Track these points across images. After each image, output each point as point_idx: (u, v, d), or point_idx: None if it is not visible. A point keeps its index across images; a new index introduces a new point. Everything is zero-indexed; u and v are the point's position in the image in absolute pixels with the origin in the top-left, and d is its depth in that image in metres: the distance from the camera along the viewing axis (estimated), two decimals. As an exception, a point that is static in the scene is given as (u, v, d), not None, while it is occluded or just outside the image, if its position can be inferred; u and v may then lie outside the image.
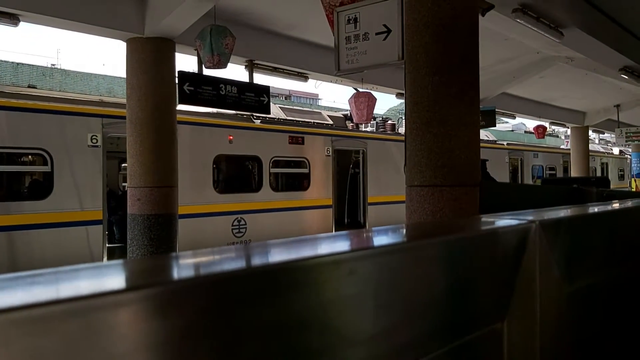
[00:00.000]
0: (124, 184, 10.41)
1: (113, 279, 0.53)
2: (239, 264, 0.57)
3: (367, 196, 13.75)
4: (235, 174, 11.96)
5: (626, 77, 11.76)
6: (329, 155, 12.96)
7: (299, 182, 12.64)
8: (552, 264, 0.93)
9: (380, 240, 0.75)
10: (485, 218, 0.95)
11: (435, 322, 0.72)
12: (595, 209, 1.31)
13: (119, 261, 0.57)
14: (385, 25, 5.42)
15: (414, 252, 0.71)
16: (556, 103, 18.51)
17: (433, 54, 4.64)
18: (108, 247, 9.37)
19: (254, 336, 0.50)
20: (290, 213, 11.90)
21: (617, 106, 18.48)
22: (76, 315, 0.42)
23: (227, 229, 10.67)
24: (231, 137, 11.00)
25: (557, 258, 0.95)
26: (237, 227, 10.85)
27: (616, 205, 1.48)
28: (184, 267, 0.57)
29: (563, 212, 1.09)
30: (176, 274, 0.53)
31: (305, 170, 12.51)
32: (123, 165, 10.79)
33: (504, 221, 0.92)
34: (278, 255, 0.62)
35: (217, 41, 7.53)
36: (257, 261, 0.58)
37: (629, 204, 1.49)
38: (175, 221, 8.24)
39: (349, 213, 14.00)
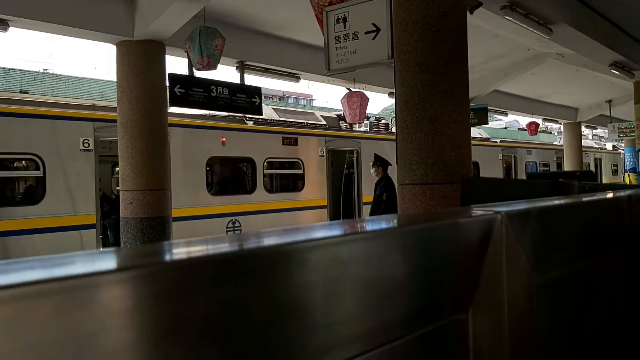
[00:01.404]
0: (117, 188, 10.39)
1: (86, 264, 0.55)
2: (197, 252, 0.59)
3: (362, 196, 13.77)
4: (229, 176, 11.96)
5: (617, 72, 11.81)
6: (323, 156, 12.97)
7: (294, 183, 12.65)
8: (519, 255, 0.93)
9: (337, 230, 0.76)
10: (451, 210, 0.95)
11: (394, 312, 0.72)
12: (567, 201, 1.32)
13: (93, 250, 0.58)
14: (374, 24, 5.43)
15: (375, 241, 0.72)
16: (548, 99, 18.57)
17: (422, 52, 4.65)
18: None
19: (198, 322, 0.51)
20: (285, 214, 11.90)
21: (609, 101, 18.55)
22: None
23: (222, 231, 10.67)
24: (224, 139, 11.00)
25: (525, 249, 0.95)
26: (232, 229, 10.84)
27: (589, 197, 1.49)
28: (139, 255, 0.58)
29: (531, 204, 1.09)
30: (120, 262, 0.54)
31: (299, 171, 12.52)
32: (116, 169, 10.77)
33: (470, 213, 0.92)
34: (230, 246, 0.63)
35: (206, 43, 7.53)
36: (205, 251, 0.59)
37: (602, 196, 1.50)
38: (169, 224, 8.23)
39: (344, 213, 14.02)
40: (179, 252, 0.61)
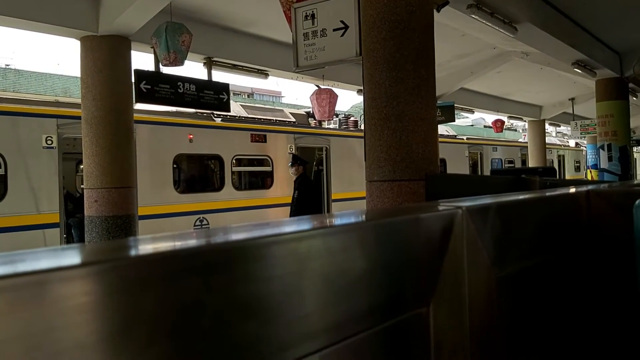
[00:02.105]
0: (82, 186, 10.21)
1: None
2: (156, 248, 0.58)
3: (331, 192, 13.80)
4: (197, 174, 11.86)
5: (579, 71, 12.07)
6: (292, 153, 12.95)
7: (262, 181, 12.61)
8: (480, 249, 0.95)
9: (298, 225, 0.76)
10: (412, 205, 0.97)
11: (354, 307, 0.72)
12: (527, 196, 1.35)
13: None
14: (342, 22, 5.44)
15: (337, 236, 0.72)
16: (513, 97, 18.90)
17: (389, 49, 4.68)
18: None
19: (149, 321, 0.51)
20: (254, 211, 11.85)
21: (572, 99, 18.96)
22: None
23: (189, 229, 10.57)
24: (191, 136, 10.89)
25: (486, 244, 0.97)
26: (200, 226, 10.75)
27: (549, 192, 1.52)
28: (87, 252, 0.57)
29: (492, 199, 1.11)
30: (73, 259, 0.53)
31: (268, 169, 12.48)
32: (80, 166, 10.57)
33: (431, 207, 0.93)
34: (183, 242, 0.62)
35: (173, 38, 7.43)
36: (155, 248, 0.58)
37: (562, 191, 1.53)
38: (135, 222, 8.11)
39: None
40: (134, 248, 0.60)
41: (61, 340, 0.45)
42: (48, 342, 0.45)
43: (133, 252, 0.57)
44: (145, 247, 0.61)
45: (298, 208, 8.94)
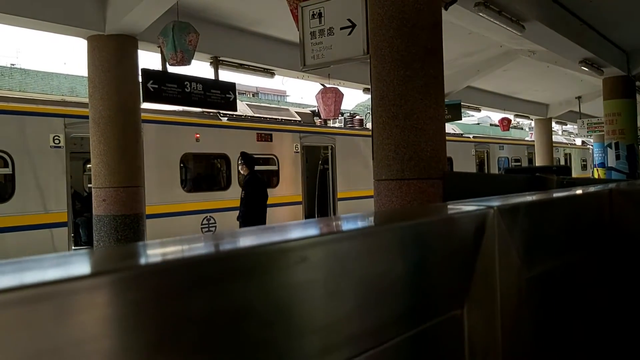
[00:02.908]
0: (89, 185, 10.22)
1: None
2: (181, 253, 0.57)
3: (337, 191, 13.79)
4: (203, 173, 11.88)
5: (586, 69, 12.02)
6: (298, 152, 12.94)
7: (268, 179, 12.59)
8: (511, 249, 0.94)
9: (333, 227, 0.75)
10: (443, 205, 0.96)
11: (392, 309, 0.71)
12: (552, 195, 1.34)
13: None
14: (349, 20, 5.42)
15: (370, 238, 0.71)
16: (520, 96, 18.83)
17: (397, 47, 4.66)
18: (74, 250, 9.19)
19: (195, 326, 0.49)
20: (260, 210, 11.84)
21: (579, 98, 18.88)
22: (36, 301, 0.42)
23: (197, 228, 10.58)
24: (198, 136, 10.91)
25: (516, 243, 0.96)
26: (207, 225, 10.76)
27: (573, 191, 1.51)
28: (122, 256, 0.55)
29: (521, 198, 1.10)
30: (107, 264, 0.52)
31: (274, 167, 12.48)
32: (88, 166, 10.60)
33: (462, 207, 0.92)
34: (225, 244, 0.61)
35: (179, 38, 7.43)
36: (199, 250, 0.57)
37: (585, 190, 1.52)
38: (143, 221, 8.12)
39: (319, 209, 14.02)
40: (171, 252, 0.59)
41: (91, 354, 0.44)
42: (77, 356, 0.43)
43: (170, 257, 0.56)
44: (183, 249, 0.59)
45: (246, 208, 8.80)
